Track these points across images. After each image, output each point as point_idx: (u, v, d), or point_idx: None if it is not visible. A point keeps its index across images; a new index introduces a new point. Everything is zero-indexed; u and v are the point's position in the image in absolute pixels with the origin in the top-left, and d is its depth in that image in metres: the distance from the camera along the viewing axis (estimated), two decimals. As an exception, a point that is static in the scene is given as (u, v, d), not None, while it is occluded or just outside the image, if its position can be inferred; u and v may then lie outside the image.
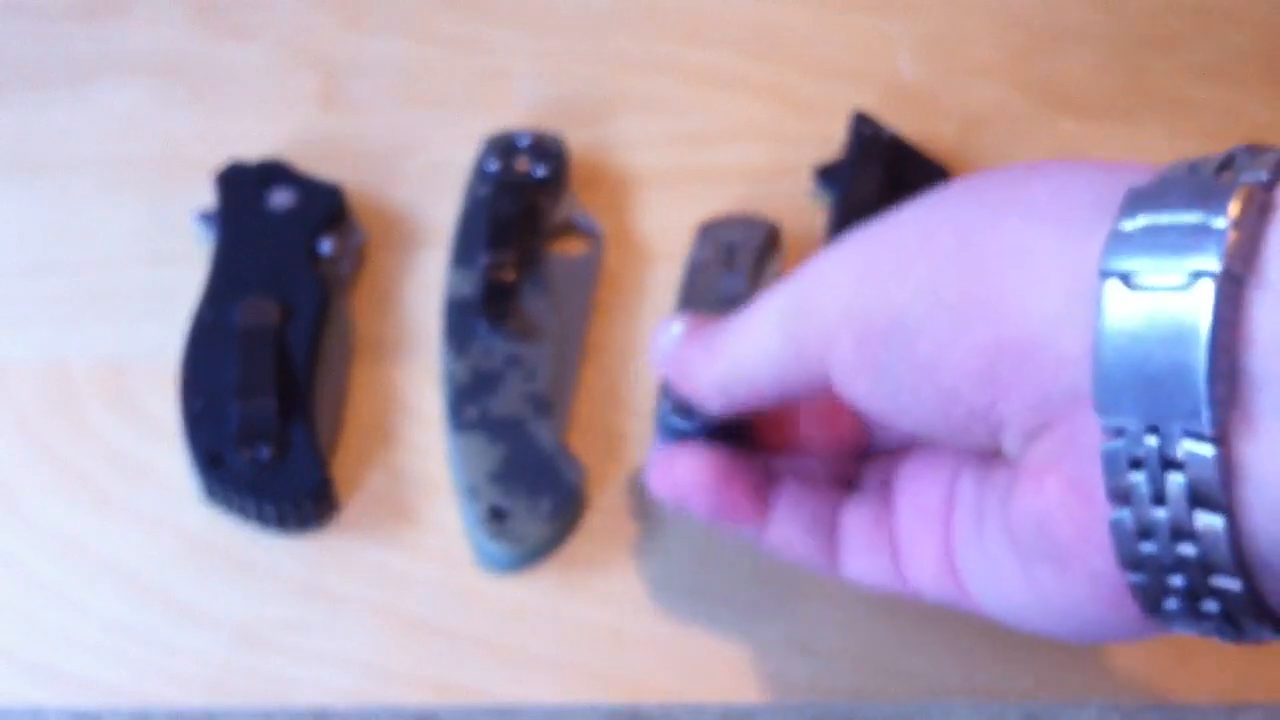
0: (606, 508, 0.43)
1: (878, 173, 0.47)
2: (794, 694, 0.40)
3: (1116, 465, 0.28)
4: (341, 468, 0.44)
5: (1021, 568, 0.32)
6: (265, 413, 0.42)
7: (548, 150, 0.48)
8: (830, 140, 0.49)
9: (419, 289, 0.47)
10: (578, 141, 0.50)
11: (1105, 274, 0.28)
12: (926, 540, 0.35)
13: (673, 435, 0.40)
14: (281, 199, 0.47)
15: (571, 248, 0.48)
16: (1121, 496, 0.28)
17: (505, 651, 0.41)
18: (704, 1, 0.54)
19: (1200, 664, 0.40)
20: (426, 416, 0.45)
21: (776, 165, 0.50)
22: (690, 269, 0.46)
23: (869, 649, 0.41)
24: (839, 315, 0.33)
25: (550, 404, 0.43)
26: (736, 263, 0.46)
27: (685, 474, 0.38)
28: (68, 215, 0.49)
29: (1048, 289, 0.29)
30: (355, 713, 0.40)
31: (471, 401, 0.44)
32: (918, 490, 0.36)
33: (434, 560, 0.42)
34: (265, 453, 0.42)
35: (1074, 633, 0.32)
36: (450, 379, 0.44)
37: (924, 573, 0.35)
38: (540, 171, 0.48)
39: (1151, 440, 0.27)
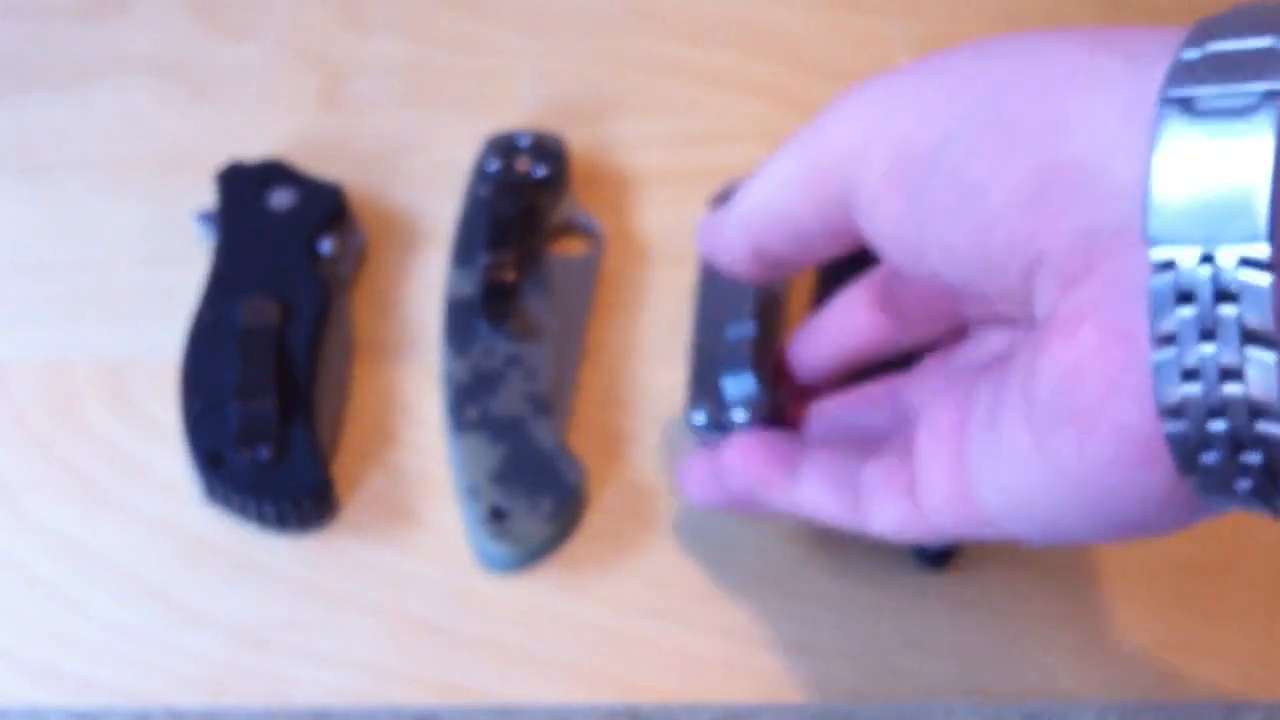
0: (606, 508, 0.43)
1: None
2: (794, 694, 0.40)
3: (1164, 302, 0.27)
4: (341, 468, 0.44)
5: (1037, 444, 0.30)
6: (265, 413, 0.42)
7: (548, 150, 0.48)
8: (830, 140, 0.50)
9: (419, 289, 0.47)
10: (578, 141, 0.50)
11: (1166, 100, 0.27)
12: (942, 459, 0.34)
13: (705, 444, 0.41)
14: (281, 199, 0.47)
15: (571, 248, 0.48)
16: (1166, 338, 0.27)
17: (505, 651, 0.41)
18: (704, 1, 0.54)
19: (1200, 664, 0.40)
20: (426, 416, 0.45)
21: (776, 165, 0.50)
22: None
23: (869, 649, 0.41)
24: (864, 138, 0.32)
25: (550, 404, 0.43)
26: None
27: (720, 459, 0.38)
28: (68, 215, 0.49)
29: (1108, 112, 0.29)
30: (355, 713, 0.40)
31: (472, 401, 0.44)
32: (934, 412, 0.35)
33: (434, 560, 0.42)
34: (265, 453, 0.42)
35: (1089, 512, 0.30)
36: (450, 379, 0.44)
37: (937, 495, 0.34)
38: (540, 171, 0.48)
39: (1204, 271, 0.26)
